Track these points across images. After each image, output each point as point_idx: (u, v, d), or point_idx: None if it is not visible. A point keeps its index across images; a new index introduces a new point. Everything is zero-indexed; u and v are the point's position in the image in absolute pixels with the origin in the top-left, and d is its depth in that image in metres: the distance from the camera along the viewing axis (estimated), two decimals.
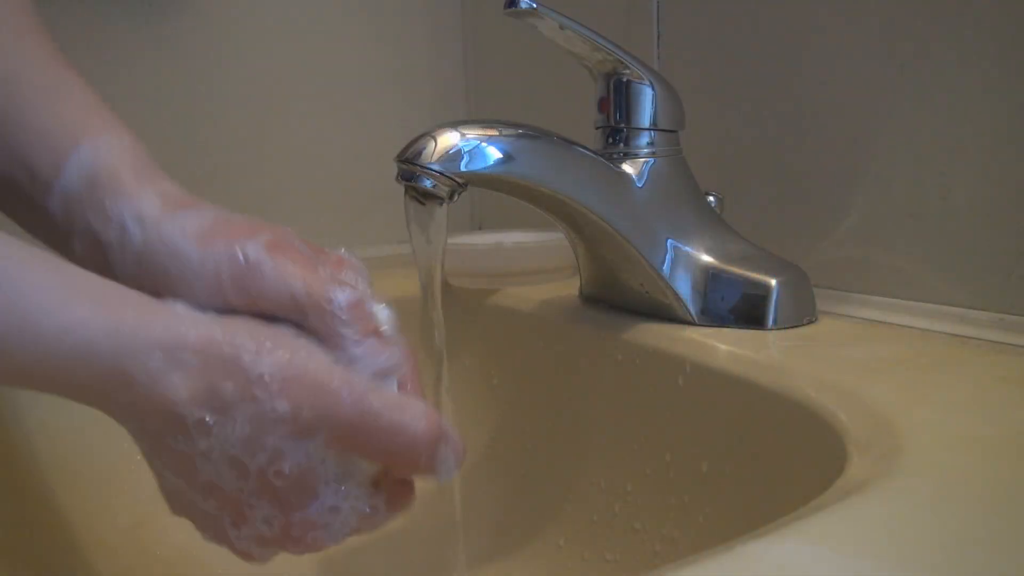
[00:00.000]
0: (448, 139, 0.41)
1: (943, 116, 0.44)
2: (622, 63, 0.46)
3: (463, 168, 0.41)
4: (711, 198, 0.50)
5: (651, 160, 0.47)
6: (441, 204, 0.42)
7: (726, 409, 0.40)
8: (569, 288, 0.57)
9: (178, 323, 0.28)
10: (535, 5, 0.42)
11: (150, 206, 0.33)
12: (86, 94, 0.37)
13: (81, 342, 0.26)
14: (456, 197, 0.42)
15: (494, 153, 0.42)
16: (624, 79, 0.46)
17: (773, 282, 0.45)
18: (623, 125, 0.47)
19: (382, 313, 0.33)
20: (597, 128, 0.48)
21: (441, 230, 0.42)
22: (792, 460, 0.36)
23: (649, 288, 0.47)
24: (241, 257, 0.31)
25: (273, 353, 0.29)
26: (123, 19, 0.74)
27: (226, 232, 0.32)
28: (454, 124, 0.42)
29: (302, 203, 0.81)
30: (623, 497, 0.48)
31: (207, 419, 0.28)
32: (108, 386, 0.27)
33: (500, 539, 0.52)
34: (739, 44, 0.56)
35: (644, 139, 0.47)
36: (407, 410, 0.30)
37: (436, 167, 0.41)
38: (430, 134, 0.41)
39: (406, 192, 0.42)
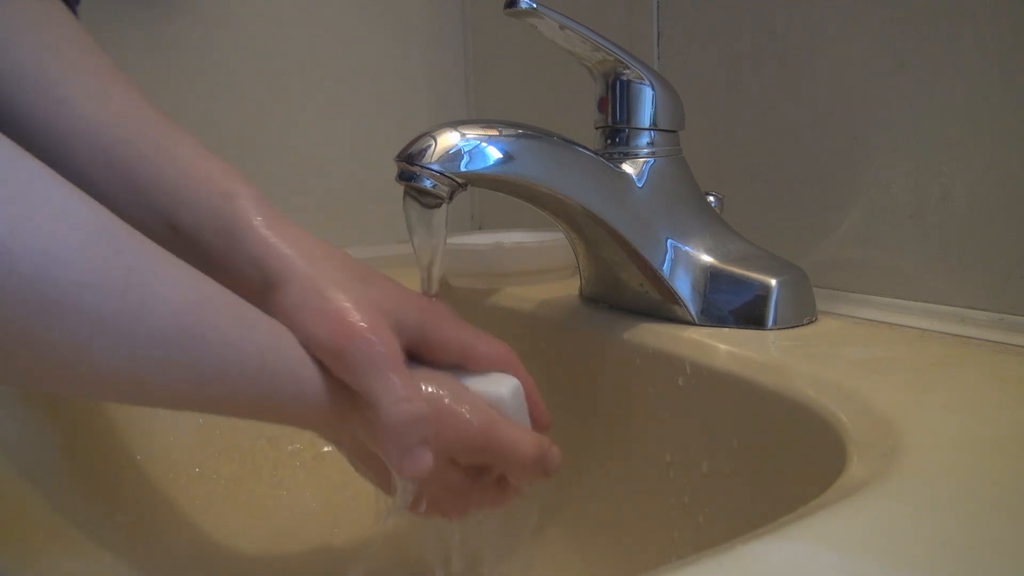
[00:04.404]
0: (448, 139, 0.41)
1: (943, 116, 0.44)
2: (622, 63, 0.46)
3: (463, 168, 0.41)
4: (711, 198, 0.50)
5: (651, 160, 0.47)
6: (441, 204, 0.42)
7: (726, 409, 0.40)
8: (569, 288, 0.57)
9: None
10: (535, 5, 0.42)
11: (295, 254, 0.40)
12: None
13: (325, 399, 0.37)
14: (456, 197, 0.42)
15: (494, 153, 0.42)
16: (624, 79, 0.46)
17: (773, 282, 0.45)
18: (623, 125, 0.47)
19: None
20: (597, 128, 0.48)
21: (441, 230, 0.42)
22: (792, 460, 0.36)
23: (649, 288, 0.47)
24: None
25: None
26: (122, 19, 0.74)
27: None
28: (454, 124, 0.42)
29: (302, 202, 0.81)
30: (622, 497, 0.48)
31: None
32: (334, 426, 0.39)
33: (498, 540, 0.52)
34: (739, 44, 0.56)
35: (644, 139, 0.47)
36: (521, 436, 0.40)
37: (436, 167, 0.41)
38: (430, 134, 0.41)
39: (406, 192, 0.42)
